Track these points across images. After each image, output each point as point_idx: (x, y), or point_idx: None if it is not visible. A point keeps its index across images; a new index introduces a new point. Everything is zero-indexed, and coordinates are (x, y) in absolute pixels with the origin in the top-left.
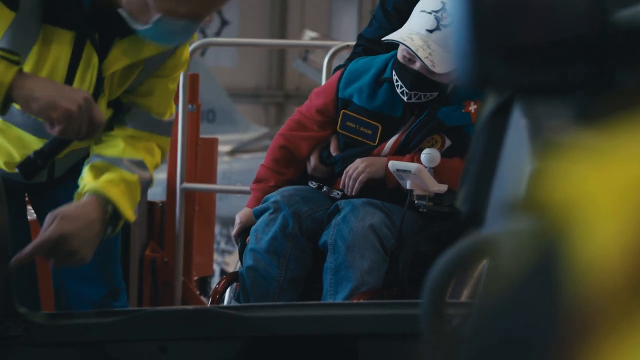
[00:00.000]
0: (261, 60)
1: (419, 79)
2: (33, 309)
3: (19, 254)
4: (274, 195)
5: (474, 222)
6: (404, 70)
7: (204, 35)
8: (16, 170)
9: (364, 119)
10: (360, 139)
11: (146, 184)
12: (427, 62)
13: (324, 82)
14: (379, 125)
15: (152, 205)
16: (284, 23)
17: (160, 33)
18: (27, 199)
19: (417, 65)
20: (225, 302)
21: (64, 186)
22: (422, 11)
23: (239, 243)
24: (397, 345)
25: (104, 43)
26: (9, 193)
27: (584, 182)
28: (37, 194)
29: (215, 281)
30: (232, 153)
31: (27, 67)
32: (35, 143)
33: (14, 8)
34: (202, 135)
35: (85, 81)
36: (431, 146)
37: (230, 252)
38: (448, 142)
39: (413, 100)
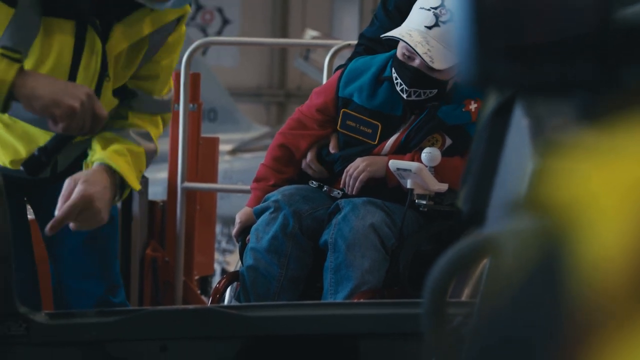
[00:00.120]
0: (262, 60)
1: (419, 76)
2: (34, 309)
3: (53, 221)
4: (275, 195)
5: (475, 221)
6: (403, 67)
7: (205, 34)
8: (21, 168)
9: (364, 117)
10: (360, 137)
11: (151, 154)
12: (426, 58)
13: (325, 81)
14: (379, 124)
15: (153, 204)
16: (286, 22)
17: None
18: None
19: (416, 63)
20: (226, 302)
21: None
22: (421, 8)
23: (240, 242)
24: (398, 345)
25: (104, 28)
26: (9, 192)
27: (586, 182)
28: (39, 190)
29: (216, 280)
30: (233, 152)
31: (31, 60)
32: (41, 136)
33: (13, 4)
34: (203, 135)
35: (90, 68)
36: (432, 145)
37: (231, 252)
38: (449, 141)
39: (413, 97)
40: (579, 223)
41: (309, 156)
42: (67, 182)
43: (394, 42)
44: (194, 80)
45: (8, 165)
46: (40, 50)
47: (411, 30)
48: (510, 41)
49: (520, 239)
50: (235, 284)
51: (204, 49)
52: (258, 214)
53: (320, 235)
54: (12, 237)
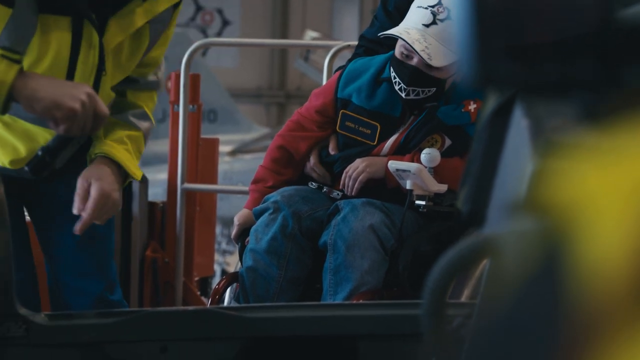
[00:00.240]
0: (262, 60)
1: (417, 74)
2: (33, 310)
3: (81, 223)
4: (274, 196)
5: (474, 222)
6: (401, 66)
7: (205, 35)
8: (25, 169)
9: (363, 118)
10: (359, 138)
11: (149, 132)
12: (424, 56)
13: (325, 82)
14: (378, 125)
15: (153, 205)
16: (286, 23)
17: None
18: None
19: (414, 61)
20: (225, 303)
21: (64, 178)
22: (418, 7)
23: (239, 244)
24: (398, 346)
25: (100, 22)
26: (7, 193)
27: (586, 183)
28: (35, 189)
29: (216, 281)
30: (233, 153)
31: (29, 58)
32: (41, 135)
33: (10, 5)
34: (203, 136)
35: (88, 62)
36: (431, 146)
37: (231, 253)
38: (448, 142)
39: (411, 96)
40: (579, 224)
41: (312, 160)
42: (80, 182)
43: (395, 43)
44: (194, 81)
45: (7, 165)
46: (38, 47)
47: (409, 29)
48: (511, 41)
49: (520, 240)
50: (234, 285)
51: (204, 49)
52: (257, 214)
53: (320, 236)
54: (10, 238)
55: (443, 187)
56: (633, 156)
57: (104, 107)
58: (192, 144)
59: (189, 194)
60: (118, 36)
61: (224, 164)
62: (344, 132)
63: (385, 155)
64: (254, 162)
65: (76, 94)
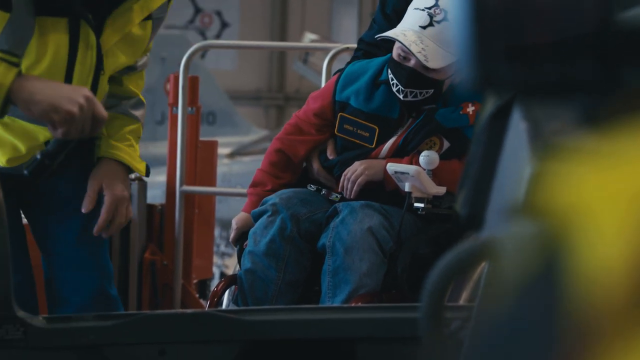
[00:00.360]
0: (261, 63)
1: (414, 76)
2: (31, 312)
3: (98, 227)
4: (273, 198)
5: (473, 225)
6: (399, 68)
7: (204, 37)
8: (25, 172)
9: (361, 121)
10: (357, 141)
11: (144, 116)
12: (421, 57)
13: (323, 84)
14: (376, 128)
15: (151, 207)
16: (284, 25)
17: None
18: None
19: (412, 63)
20: (224, 305)
21: (64, 174)
22: (415, 9)
23: (237, 247)
24: (396, 349)
25: (97, 22)
26: (5, 193)
27: (585, 187)
28: (36, 185)
29: (214, 284)
30: (232, 155)
31: (28, 60)
32: (41, 133)
33: (8, 9)
34: (202, 138)
35: (86, 63)
36: (429, 148)
37: (230, 255)
38: (446, 144)
39: (409, 98)
40: (578, 228)
41: (315, 166)
42: (91, 184)
43: (392, 45)
44: (193, 84)
45: (5, 164)
46: (36, 49)
47: (406, 31)
48: (511, 41)
49: (518, 244)
50: (233, 287)
51: (203, 52)
52: (256, 217)
53: (318, 238)
54: (8, 239)
55: (442, 190)
56: (633, 160)
57: (102, 110)
58: (190, 146)
59: (187, 196)
60: (115, 35)
61: (223, 166)
62: (342, 135)
63: (383, 158)
64: (253, 164)
65: (74, 97)
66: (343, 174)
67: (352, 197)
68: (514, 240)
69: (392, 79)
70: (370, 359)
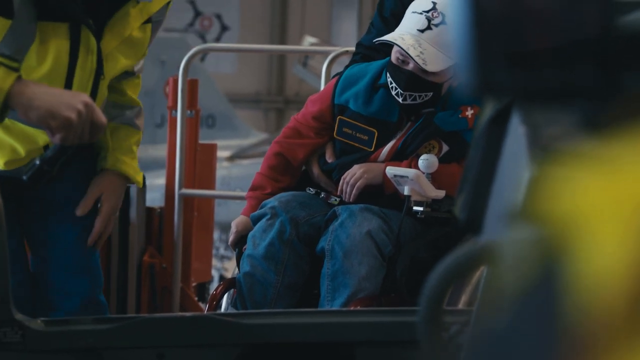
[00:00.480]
0: (261, 66)
1: (413, 79)
2: (29, 315)
3: (92, 237)
4: (272, 201)
5: (472, 229)
6: (398, 71)
7: (204, 40)
8: (24, 178)
9: (360, 124)
10: (356, 144)
11: (143, 124)
12: (419, 61)
13: (323, 87)
14: (375, 131)
15: (150, 210)
16: (284, 28)
17: None
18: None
19: (410, 66)
20: (223, 308)
21: (63, 177)
22: (413, 12)
23: (237, 251)
24: (395, 353)
25: (97, 26)
26: (3, 197)
27: (584, 192)
28: (35, 189)
29: (213, 287)
30: (231, 159)
31: (29, 65)
32: (40, 137)
33: (10, 16)
34: (202, 141)
35: (86, 67)
36: (428, 152)
37: (229, 258)
38: (445, 148)
39: (408, 101)
40: (577, 234)
41: (315, 171)
42: (91, 191)
43: (391, 49)
44: (192, 87)
45: (3, 167)
46: (37, 54)
47: (404, 34)
48: (510, 47)
49: (517, 249)
50: (232, 290)
51: (203, 55)
52: (255, 220)
53: (317, 242)
54: (7, 242)
55: (441, 193)
56: (632, 165)
57: (101, 116)
58: (190, 149)
59: (186, 200)
60: (115, 39)
61: (222, 170)
62: (341, 139)
63: (382, 162)
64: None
65: (73, 103)
66: (342, 178)
67: (351, 200)
68: (513, 246)
69: (391, 83)
70: None
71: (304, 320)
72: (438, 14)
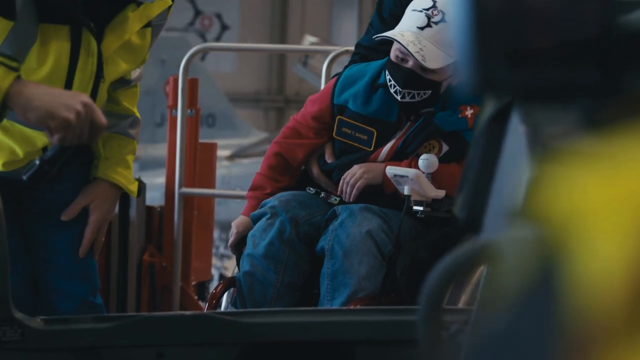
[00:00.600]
0: (261, 65)
1: (412, 77)
2: (29, 314)
3: (83, 247)
4: (271, 201)
5: (472, 228)
6: (397, 69)
7: (204, 40)
8: (24, 178)
9: (359, 124)
10: (356, 144)
11: (139, 134)
12: (418, 57)
13: (323, 87)
14: (374, 131)
15: (150, 209)
16: (284, 28)
17: None
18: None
19: (409, 64)
20: (223, 307)
21: (62, 180)
22: (413, 10)
23: (237, 252)
24: (395, 352)
25: (97, 29)
26: (2, 197)
27: (584, 191)
28: (34, 190)
29: (213, 286)
30: (231, 158)
31: (29, 66)
32: (39, 138)
33: (12, 18)
34: (201, 140)
35: (86, 70)
36: (428, 151)
37: (229, 257)
38: (445, 148)
39: (407, 99)
40: (577, 233)
41: (315, 171)
42: (80, 199)
43: (390, 48)
44: (192, 86)
45: (0, 168)
46: (37, 56)
47: (403, 31)
48: (511, 45)
49: (516, 249)
50: (232, 289)
51: (203, 54)
52: (255, 219)
53: (317, 241)
54: (7, 242)
55: (441, 193)
56: (632, 165)
57: (101, 117)
58: (190, 148)
59: (186, 199)
60: (115, 42)
61: (222, 169)
62: (340, 138)
63: (382, 161)
64: (252, 166)
65: (71, 103)
66: (342, 178)
67: (351, 200)
68: (513, 245)
69: (390, 80)
70: None
71: (304, 319)
72: (438, 11)
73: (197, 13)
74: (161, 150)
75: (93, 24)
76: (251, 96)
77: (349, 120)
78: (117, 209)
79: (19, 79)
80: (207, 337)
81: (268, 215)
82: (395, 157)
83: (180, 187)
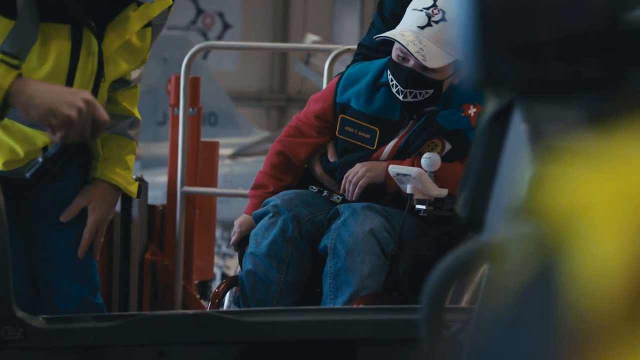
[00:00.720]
0: (263, 64)
1: (413, 76)
2: (31, 313)
3: (81, 247)
4: (274, 199)
5: (474, 227)
6: (398, 68)
7: (206, 38)
8: (27, 175)
9: (362, 123)
10: (359, 143)
11: (139, 135)
12: (419, 57)
13: (325, 86)
14: (377, 129)
15: (152, 208)
16: (286, 26)
17: None
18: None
19: (410, 63)
20: (225, 306)
21: (64, 179)
22: (413, 9)
23: (239, 250)
24: (397, 351)
25: (98, 29)
26: (4, 195)
27: (585, 189)
28: (35, 190)
29: (216, 285)
30: (233, 156)
31: (30, 65)
32: (39, 138)
33: (13, 17)
34: (203, 139)
35: (87, 69)
36: (431, 150)
37: (231, 256)
38: (448, 146)
39: (409, 98)
40: (578, 231)
41: (318, 170)
42: (79, 199)
43: (391, 48)
44: (194, 84)
45: (1, 167)
46: (38, 55)
47: (404, 31)
48: (515, 39)
49: (518, 246)
50: (234, 288)
51: (205, 53)
52: (257, 218)
53: (320, 240)
54: (8, 240)
55: (443, 192)
56: (632, 162)
57: (103, 113)
58: (192, 147)
59: (188, 197)
60: (116, 42)
61: (224, 167)
62: (343, 137)
63: (385, 160)
64: (254, 165)
65: (73, 101)
66: (345, 176)
67: (354, 199)
68: (515, 243)
69: (392, 80)
70: None
71: (306, 318)
72: (438, 11)
73: (199, 12)
74: (163, 149)
75: (94, 23)
76: (253, 95)
77: (352, 119)
78: (119, 208)
79: (21, 76)
80: (209, 336)
81: (270, 214)
82: (398, 156)
83: (182, 185)
